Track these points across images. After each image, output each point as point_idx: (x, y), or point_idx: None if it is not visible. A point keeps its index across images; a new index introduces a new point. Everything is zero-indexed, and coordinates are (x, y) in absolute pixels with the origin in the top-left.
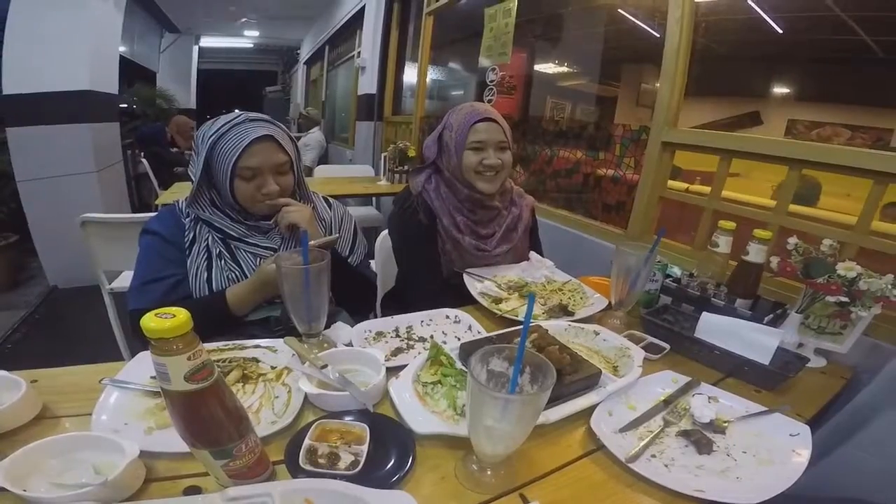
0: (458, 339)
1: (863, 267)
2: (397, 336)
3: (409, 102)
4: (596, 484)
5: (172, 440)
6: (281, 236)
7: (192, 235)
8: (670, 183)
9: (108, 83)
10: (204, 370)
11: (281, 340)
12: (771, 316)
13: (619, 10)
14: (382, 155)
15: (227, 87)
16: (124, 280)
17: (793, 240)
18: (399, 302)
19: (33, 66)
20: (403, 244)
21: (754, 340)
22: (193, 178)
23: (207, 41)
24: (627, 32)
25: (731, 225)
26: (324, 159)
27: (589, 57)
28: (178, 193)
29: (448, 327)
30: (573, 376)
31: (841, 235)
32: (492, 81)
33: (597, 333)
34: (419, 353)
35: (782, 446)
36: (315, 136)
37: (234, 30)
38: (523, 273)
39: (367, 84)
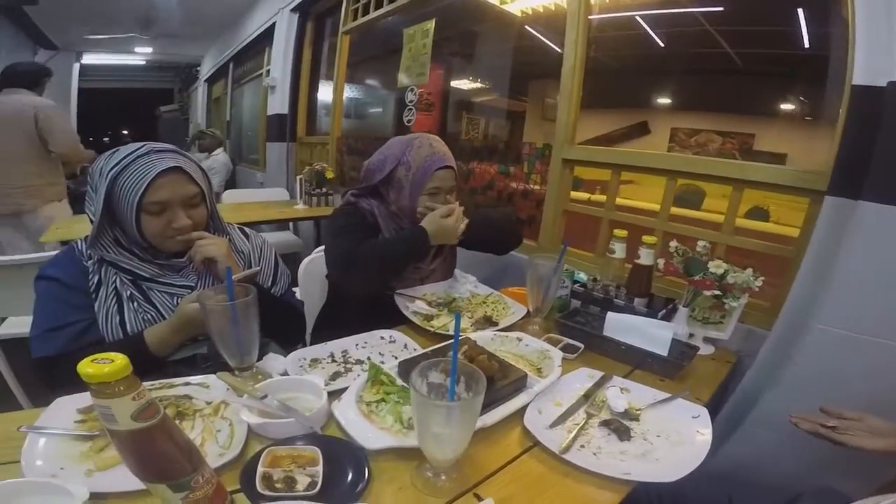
0: (396, 358)
1: (729, 263)
2: (333, 361)
3: (325, 122)
4: (537, 477)
5: (117, 480)
6: (197, 273)
7: (96, 279)
8: (573, 193)
9: None
10: (150, 408)
11: (213, 376)
12: (664, 311)
13: (527, 27)
14: (298, 177)
15: (113, 107)
16: (9, 326)
17: (673, 243)
18: (331, 327)
19: None
20: (348, 224)
21: (653, 334)
22: (92, 218)
23: (91, 58)
24: (533, 49)
25: (623, 233)
26: (230, 183)
27: (500, 73)
28: (67, 230)
29: (384, 347)
30: (503, 381)
31: (712, 237)
32: (411, 101)
33: (519, 339)
34: (358, 375)
35: (688, 428)
36: (220, 158)
37: (121, 46)
38: (450, 289)
39: (278, 104)
